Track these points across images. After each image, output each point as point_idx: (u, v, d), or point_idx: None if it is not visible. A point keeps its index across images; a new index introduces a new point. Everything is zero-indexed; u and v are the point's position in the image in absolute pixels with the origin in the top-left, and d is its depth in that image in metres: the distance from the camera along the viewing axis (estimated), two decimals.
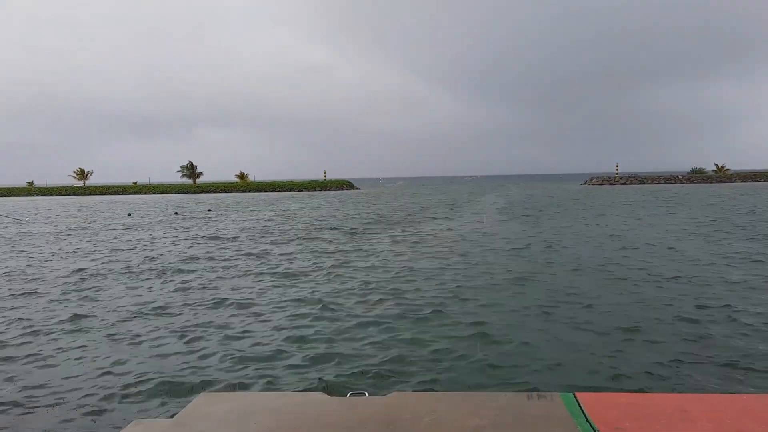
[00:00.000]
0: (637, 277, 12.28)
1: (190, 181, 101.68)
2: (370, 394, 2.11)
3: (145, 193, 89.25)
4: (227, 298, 10.80)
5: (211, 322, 9.15)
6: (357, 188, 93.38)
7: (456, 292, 11.00)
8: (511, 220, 28.10)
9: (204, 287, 12.03)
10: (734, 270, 12.92)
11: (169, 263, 15.54)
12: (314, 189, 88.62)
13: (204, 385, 6.28)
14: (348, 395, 2.09)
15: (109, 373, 6.85)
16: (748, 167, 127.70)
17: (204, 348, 7.75)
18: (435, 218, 30.47)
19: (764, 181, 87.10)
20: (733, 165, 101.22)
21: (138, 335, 8.47)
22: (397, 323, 8.75)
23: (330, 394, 2.11)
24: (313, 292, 11.35)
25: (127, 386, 6.38)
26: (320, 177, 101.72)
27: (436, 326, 8.56)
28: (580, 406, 1.86)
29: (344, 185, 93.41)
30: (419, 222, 28.07)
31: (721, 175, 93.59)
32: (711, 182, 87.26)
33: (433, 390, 5.94)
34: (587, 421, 1.76)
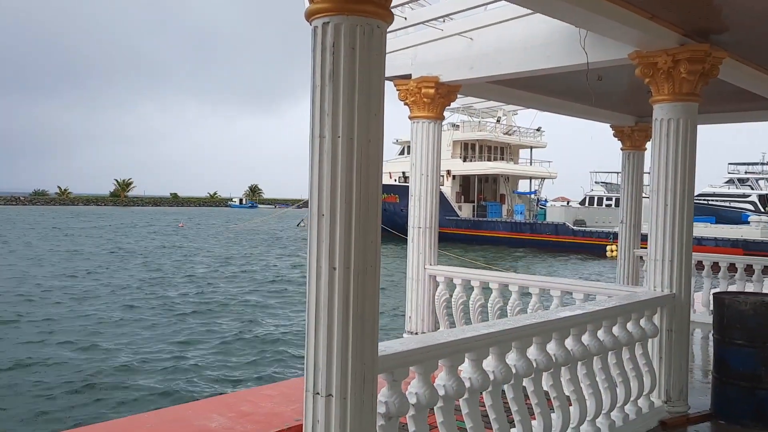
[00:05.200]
0: None
1: None
2: None
3: None
4: None
5: None
6: None
7: None
8: None
9: None
10: None
11: None
12: None
13: None
14: None
15: None
16: (89, 191, 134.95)
17: None
18: None
19: (104, 205, 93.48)
20: (77, 189, 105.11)
21: None
22: None
23: None
24: None
25: None
26: None
27: None
28: None
29: None
30: None
31: (64, 198, 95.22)
32: (54, 204, 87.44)
33: None
34: None
